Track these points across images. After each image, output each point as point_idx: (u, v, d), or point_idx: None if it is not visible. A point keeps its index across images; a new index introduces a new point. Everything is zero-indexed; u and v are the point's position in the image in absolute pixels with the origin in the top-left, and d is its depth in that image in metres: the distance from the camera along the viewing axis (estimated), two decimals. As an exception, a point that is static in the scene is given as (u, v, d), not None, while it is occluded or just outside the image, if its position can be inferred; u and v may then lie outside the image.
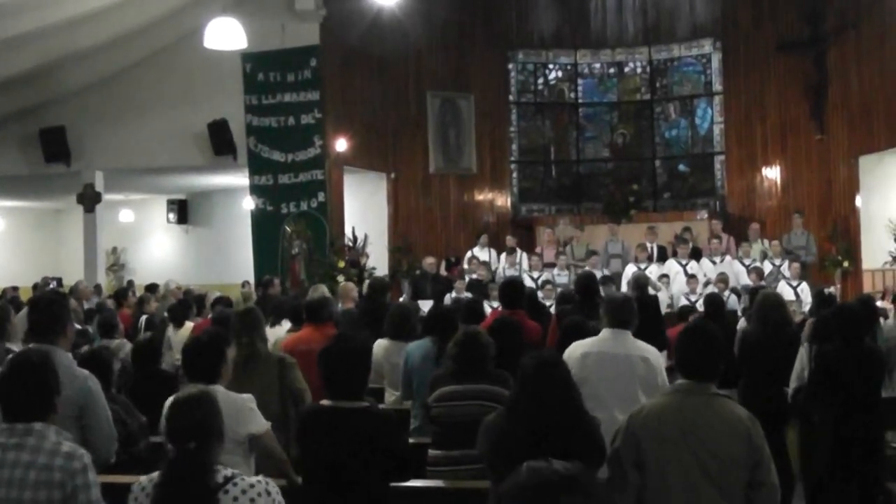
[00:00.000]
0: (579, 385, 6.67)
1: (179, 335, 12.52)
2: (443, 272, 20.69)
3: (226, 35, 15.54)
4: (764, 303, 10.51)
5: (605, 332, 7.83)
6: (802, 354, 9.36)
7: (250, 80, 20.68)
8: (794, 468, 9.59)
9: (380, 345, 9.76)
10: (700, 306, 16.53)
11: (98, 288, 20.15)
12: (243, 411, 6.33)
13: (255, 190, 20.82)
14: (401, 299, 19.14)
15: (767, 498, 5.33)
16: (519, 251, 21.29)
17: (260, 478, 4.76)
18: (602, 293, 12.22)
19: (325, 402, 6.00)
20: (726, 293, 17.29)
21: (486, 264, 20.23)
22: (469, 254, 21.44)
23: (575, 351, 7.67)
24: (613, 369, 7.51)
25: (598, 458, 5.71)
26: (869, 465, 8.05)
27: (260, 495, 4.59)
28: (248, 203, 21.37)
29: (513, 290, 10.96)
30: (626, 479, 5.37)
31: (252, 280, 20.43)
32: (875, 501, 8.15)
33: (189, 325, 12.99)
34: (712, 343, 5.56)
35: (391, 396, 9.78)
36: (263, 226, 20.65)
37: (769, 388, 9.51)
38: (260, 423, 6.46)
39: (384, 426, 5.87)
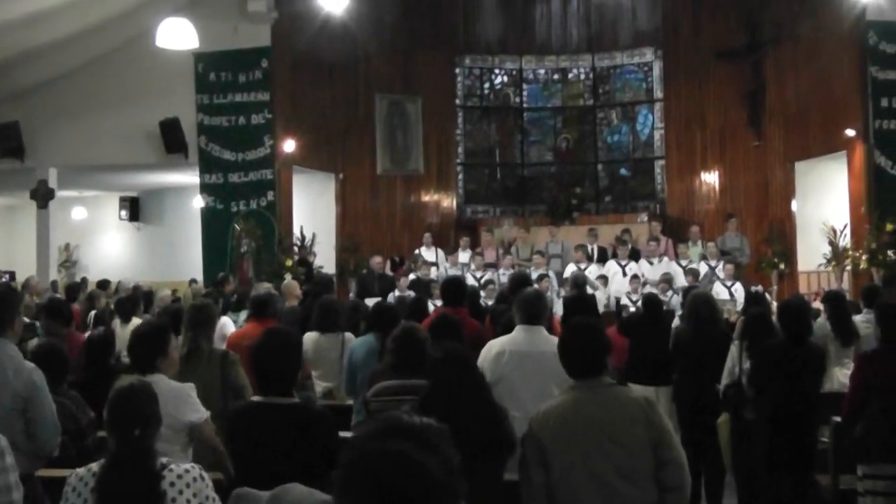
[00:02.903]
0: (496, 383, 6.94)
1: (126, 331, 11.79)
2: (388, 271, 20.94)
3: (178, 35, 15.66)
4: (694, 301, 10.83)
5: (518, 329, 7.85)
6: (733, 351, 9.64)
7: (202, 79, 20.74)
8: (724, 461, 10.05)
9: (308, 337, 9.88)
10: (638, 306, 17.09)
11: (54, 284, 20.21)
12: (184, 399, 6.34)
13: (205, 188, 20.84)
14: (349, 296, 19.50)
15: (674, 475, 5.36)
16: (468, 251, 21.60)
17: (193, 464, 4.86)
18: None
19: (256, 398, 6.00)
20: (669, 293, 17.72)
21: (428, 263, 20.52)
22: (417, 252, 21.83)
23: (490, 350, 7.74)
24: (528, 367, 7.51)
25: (508, 449, 5.96)
26: (804, 459, 8.26)
27: (195, 480, 4.70)
28: (199, 201, 21.36)
29: (455, 289, 10.99)
30: (531, 479, 5.44)
31: (201, 278, 20.44)
32: (806, 493, 8.38)
33: (136, 321, 12.36)
34: (593, 339, 5.63)
35: (319, 387, 9.93)
36: (213, 224, 20.63)
37: (701, 384, 9.79)
38: (200, 412, 6.44)
39: (315, 422, 5.81)
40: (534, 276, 16.94)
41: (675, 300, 17.26)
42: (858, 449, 7.75)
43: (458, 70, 26.51)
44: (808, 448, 8.31)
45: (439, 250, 22.13)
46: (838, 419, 8.31)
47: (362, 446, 2.41)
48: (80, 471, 4.84)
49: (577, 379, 5.60)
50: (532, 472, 5.43)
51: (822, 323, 11.28)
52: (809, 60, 22.43)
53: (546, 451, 5.40)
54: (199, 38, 16.08)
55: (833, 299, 11.51)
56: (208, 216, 20.88)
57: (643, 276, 19.34)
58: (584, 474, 5.33)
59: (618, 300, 18.79)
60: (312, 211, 22.92)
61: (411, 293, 16.83)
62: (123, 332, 12.05)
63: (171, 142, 20.56)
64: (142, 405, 4.84)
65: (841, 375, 10.60)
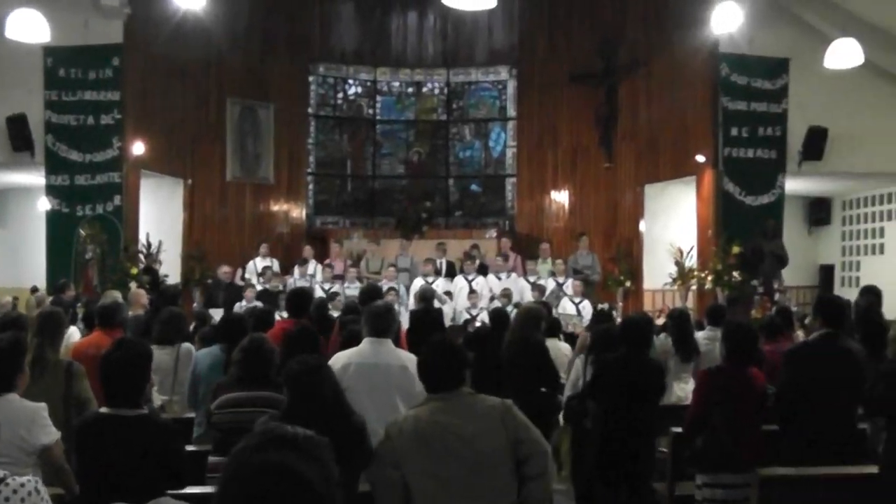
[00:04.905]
0: (341, 396, 6.95)
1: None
2: (238, 281, 20.70)
3: (28, 27, 15.11)
4: (517, 315, 11.37)
5: (366, 342, 7.96)
6: (578, 365, 9.98)
7: (51, 75, 20.03)
8: (564, 470, 10.17)
9: (148, 349, 9.73)
10: (480, 320, 17.29)
11: None
12: (36, 421, 6.10)
13: (51, 190, 20.11)
14: (194, 306, 19.24)
15: (536, 465, 5.43)
16: (313, 262, 21.48)
17: (30, 477, 4.61)
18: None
19: (103, 409, 5.88)
20: (509, 307, 17.84)
21: (278, 274, 20.40)
22: (251, 264, 21.71)
23: (336, 362, 7.68)
24: (373, 379, 7.64)
25: (364, 458, 5.89)
26: (639, 467, 8.48)
27: (30, 494, 4.47)
28: (44, 204, 20.52)
29: (299, 300, 11.19)
30: (385, 477, 5.45)
31: (44, 285, 19.53)
32: (643, 501, 8.61)
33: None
34: (450, 357, 5.67)
35: (158, 400, 9.61)
36: (58, 228, 19.94)
37: (526, 394, 9.58)
38: (51, 434, 6.20)
39: (161, 434, 5.77)
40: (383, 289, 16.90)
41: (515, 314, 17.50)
42: (699, 459, 8.09)
43: (311, 78, 26.29)
44: (643, 458, 8.55)
45: (274, 260, 22.01)
46: (678, 430, 8.63)
47: (244, 457, 2.40)
48: None
49: (434, 393, 5.63)
50: (386, 471, 5.44)
51: (663, 339, 11.63)
52: (663, 88, 23.04)
53: (399, 455, 5.41)
54: (50, 32, 15.54)
55: (677, 317, 11.95)
56: (53, 220, 20.14)
57: (491, 290, 19.53)
58: (437, 480, 5.35)
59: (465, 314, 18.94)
60: (159, 217, 22.23)
61: (259, 304, 16.68)
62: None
63: (17, 139, 19.72)
64: None
65: (679, 390, 11.18)
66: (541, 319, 11.17)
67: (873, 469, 7.18)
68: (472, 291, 19.42)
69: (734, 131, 20.41)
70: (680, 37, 21.65)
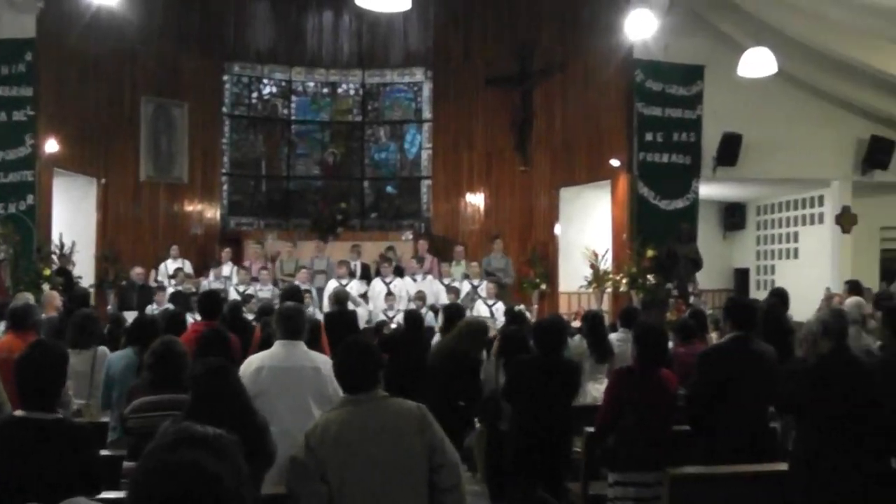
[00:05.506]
0: (255, 399, 6.80)
1: None
2: (152, 283, 20.49)
3: (-57, 21, 15.03)
4: (460, 326, 11.42)
5: (277, 345, 7.92)
6: (489, 367, 10.04)
7: (-37, 70, 19.63)
8: (479, 471, 10.24)
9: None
10: (396, 322, 17.36)
11: None
12: None
13: (-38, 189, 19.65)
14: (108, 309, 19.05)
15: (449, 476, 5.46)
16: (229, 264, 21.37)
17: None
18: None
19: (18, 412, 5.75)
20: (423, 310, 17.87)
21: (191, 276, 20.30)
22: (162, 266, 21.53)
23: (250, 365, 7.74)
24: (286, 382, 7.58)
25: (266, 460, 6.02)
26: (554, 467, 8.64)
27: None
28: None
29: (211, 302, 11.17)
30: (315, 493, 5.36)
31: None
32: (558, 500, 8.73)
33: None
34: (365, 357, 5.65)
35: (74, 404, 9.24)
36: None
37: (447, 405, 9.84)
38: None
39: (76, 439, 5.64)
40: (297, 290, 16.89)
41: (430, 316, 17.58)
42: (610, 458, 8.17)
43: (226, 77, 26.07)
44: (558, 457, 8.72)
45: (186, 262, 21.89)
46: (592, 430, 8.64)
47: (156, 456, 2.40)
48: None
49: (350, 394, 5.59)
50: (315, 486, 5.35)
51: (578, 341, 11.76)
52: (578, 93, 23.22)
53: (324, 464, 5.33)
54: (-38, 25, 15.34)
55: (591, 319, 12.13)
56: (-34, 220, 19.65)
57: (408, 292, 19.58)
58: (361, 486, 5.31)
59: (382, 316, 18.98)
60: (73, 217, 21.83)
61: (171, 306, 16.59)
62: None
63: (-72, 137, 19.39)
64: None
65: (594, 390, 11.32)
66: (485, 335, 11.27)
67: (783, 466, 7.31)
68: (389, 294, 19.42)
69: (649, 136, 20.59)
70: (595, 42, 21.87)
